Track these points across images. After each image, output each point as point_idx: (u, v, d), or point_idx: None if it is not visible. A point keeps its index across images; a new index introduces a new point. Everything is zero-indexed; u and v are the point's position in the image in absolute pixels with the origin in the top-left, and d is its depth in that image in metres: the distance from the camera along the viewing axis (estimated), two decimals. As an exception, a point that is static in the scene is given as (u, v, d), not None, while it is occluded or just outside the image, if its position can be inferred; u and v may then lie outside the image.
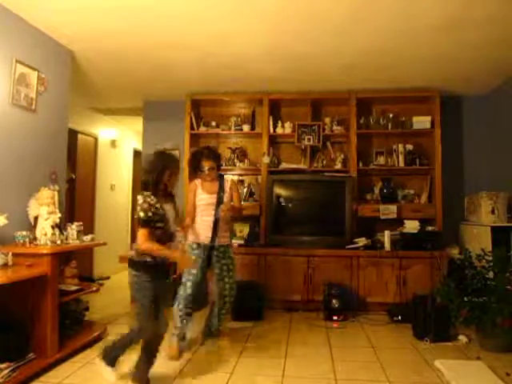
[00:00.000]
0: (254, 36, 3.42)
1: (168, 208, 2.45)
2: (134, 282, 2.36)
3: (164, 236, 2.40)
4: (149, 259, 2.36)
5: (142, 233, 2.32)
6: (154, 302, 2.35)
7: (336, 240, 4.42)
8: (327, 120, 4.88)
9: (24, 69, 3.09)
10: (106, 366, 2.46)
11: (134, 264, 2.39)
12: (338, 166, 4.76)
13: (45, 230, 2.92)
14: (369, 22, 3.14)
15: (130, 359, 2.47)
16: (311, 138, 4.73)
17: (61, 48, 3.58)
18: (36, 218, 2.99)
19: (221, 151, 5.06)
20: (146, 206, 2.31)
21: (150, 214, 2.30)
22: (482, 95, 4.83)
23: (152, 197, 2.35)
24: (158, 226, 2.35)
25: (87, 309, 3.52)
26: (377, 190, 4.73)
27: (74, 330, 3.21)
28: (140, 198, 2.34)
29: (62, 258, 3.18)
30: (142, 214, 2.30)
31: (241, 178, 5.04)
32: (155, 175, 2.38)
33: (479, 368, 2.78)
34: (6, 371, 2.37)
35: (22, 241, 2.80)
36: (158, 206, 2.34)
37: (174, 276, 3.40)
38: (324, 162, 4.85)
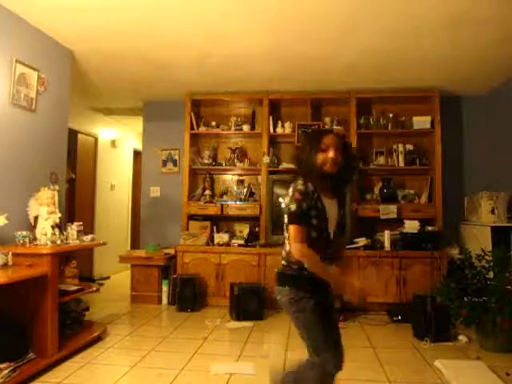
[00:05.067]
0: (254, 36, 3.42)
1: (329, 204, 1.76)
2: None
3: (320, 242, 1.71)
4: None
5: (295, 230, 1.65)
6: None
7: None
8: (327, 120, 4.87)
9: (24, 69, 3.09)
10: None
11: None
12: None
13: (45, 230, 2.92)
14: (369, 22, 3.14)
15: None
16: (311, 137, 4.72)
17: (61, 48, 3.58)
18: (36, 218, 2.99)
19: (221, 151, 5.11)
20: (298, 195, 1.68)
21: (304, 205, 1.66)
22: (482, 95, 4.83)
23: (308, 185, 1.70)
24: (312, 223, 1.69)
25: (87, 309, 3.52)
26: (377, 190, 4.73)
27: (74, 329, 3.21)
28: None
29: (62, 258, 3.19)
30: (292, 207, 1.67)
31: (241, 178, 5.05)
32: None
33: (479, 368, 2.78)
34: (5, 371, 2.37)
35: (21, 241, 2.80)
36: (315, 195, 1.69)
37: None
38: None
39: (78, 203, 5.61)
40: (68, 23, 3.21)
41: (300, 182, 1.70)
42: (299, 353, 3.09)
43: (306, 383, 1.68)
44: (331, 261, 1.74)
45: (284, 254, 1.77)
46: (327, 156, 1.70)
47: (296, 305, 1.70)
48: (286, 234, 1.76)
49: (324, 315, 1.70)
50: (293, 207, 1.67)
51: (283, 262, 1.77)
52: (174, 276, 4.54)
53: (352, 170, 1.80)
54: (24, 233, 2.83)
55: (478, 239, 4.07)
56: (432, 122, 4.62)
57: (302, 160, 1.76)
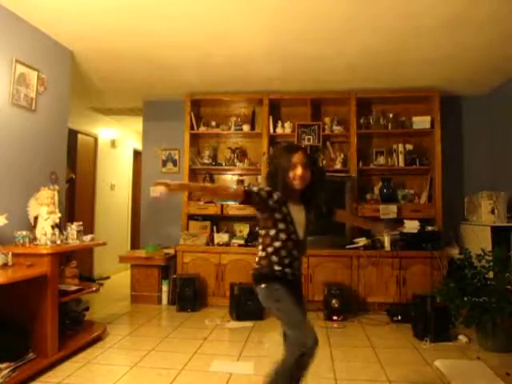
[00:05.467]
0: (254, 36, 3.43)
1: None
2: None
3: (289, 244, 1.90)
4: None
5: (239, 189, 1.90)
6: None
7: (336, 240, 4.42)
8: (327, 120, 4.87)
9: (24, 69, 3.09)
10: None
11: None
12: (338, 165, 4.76)
13: (45, 230, 2.92)
14: (369, 22, 3.14)
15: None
16: (311, 137, 4.73)
17: (61, 48, 3.58)
18: (36, 218, 2.99)
19: (221, 151, 5.11)
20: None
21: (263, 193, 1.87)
22: (482, 95, 4.83)
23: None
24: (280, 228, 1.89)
25: (87, 309, 3.52)
26: (377, 190, 4.73)
27: (74, 329, 3.21)
28: None
29: (62, 258, 3.19)
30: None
31: (241, 178, 5.05)
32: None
33: (479, 368, 2.78)
34: (5, 371, 2.37)
35: (21, 241, 2.80)
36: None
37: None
38: (324, 162, 4.85)
39: (77, 203, 5.61)
40: (68, 23, 3.21)
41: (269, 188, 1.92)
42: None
43: (285, 369, 1.81)
44: (298, 259, 1.95)
45: (257, 258, 1.99)
46: (295, 173, 1.88)
47: (274, 296, 1.90)
48: (259, 240, 2.00)
49: (296, 301, 1.89)
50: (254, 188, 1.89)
51: (257, 266, 1.99)
52: (174, 276, 4.54)
53: (320, 183, 2.01)
54: (24, 233, 2.82)
55: (478, 239, 4.07)
56: (432, 122, 4.62)
57: (273, 176, 1.95)
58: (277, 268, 1.90)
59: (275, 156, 2.09)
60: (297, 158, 1.90)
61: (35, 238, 2.90)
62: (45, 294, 2.70)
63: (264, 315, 3.97)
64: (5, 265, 2.51)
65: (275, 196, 1.87)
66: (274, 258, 1.90)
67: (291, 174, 1.88)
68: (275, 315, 1.96)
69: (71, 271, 3.35)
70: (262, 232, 1.96)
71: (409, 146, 4.72)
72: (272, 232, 1.90)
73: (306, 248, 2.02)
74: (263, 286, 1.92)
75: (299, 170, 1.88)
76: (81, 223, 3.28)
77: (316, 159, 1.94)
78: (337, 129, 4.80)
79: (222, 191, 2.29)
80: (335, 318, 3.91)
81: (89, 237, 3.29)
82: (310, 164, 1.93)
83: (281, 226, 1.88)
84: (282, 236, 1.88)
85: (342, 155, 4.81)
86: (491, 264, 3.27)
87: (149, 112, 5.42)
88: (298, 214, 1.93)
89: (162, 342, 3.32)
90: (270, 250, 1.91)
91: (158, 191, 1.87)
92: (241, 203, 1.90)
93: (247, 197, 1.85)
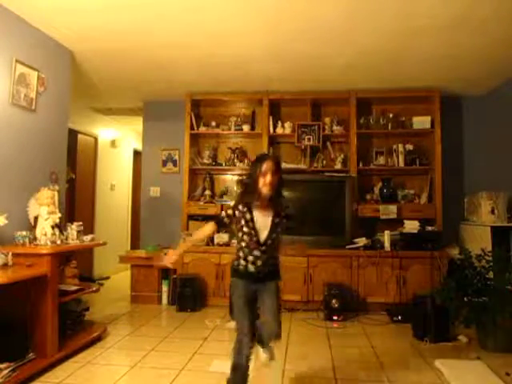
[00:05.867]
0: (254, 36, 3.43)
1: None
2: None
3: (251, 245, 2.20)
4: None
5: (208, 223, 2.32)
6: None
7: (336, 240, 4.42)
8: (327, 120, 4.88)
9: (24, 69, 3.09)
10: None
11: None
12: (338, 166, 4.76)
13: (45, 230, 2.92)
14: (369, 21, 3.14)
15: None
16: (311, 138, 4.73)
17: (61, 48, 3.59)
18: (36, 218, 2.99)
19: (221, 151, 5.11)
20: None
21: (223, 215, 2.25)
22: (482, 95, 4.83)
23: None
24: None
25: (87, 309, 3.52)
26: (377, 190, 4.73)
27: (74, 330, 3.21)
28: None
29: (62, 258, 3.18)
30: None
31: (241, 177, 5.05)
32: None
33: (479, 368, 2.78)
34: (5, 371, 2.37)
35: (21, 241, 2.80)
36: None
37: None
38: (324, 162, 4.85)
39: (78, 203, 5.61)
40: (68, 23, 3.21)
41: (235, 203, 2.25)
42: (300, 352, 3.08)
43: (232, 348, 2.24)
44: (260, 258, 2.21)
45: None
46: (265, 180, 2.14)
47: (232, 288, 2.31)
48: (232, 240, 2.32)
49: (247, 297, 2.25)
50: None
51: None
52: (174, 276, 4.54)
53: (281, 187, 2.27)
54: (24, 233, 2.83)
55: (478, 239, 4.07)
56: (432, 122, 4.62)
57: (246, 184, 2.27)
58: (241, 264, 2.23)
59: (251, 166, 2.32)
60: (266, 165, 2.15)
61: (35, 238, 2.89)
62: (45, 294, 2.70)
63: (264, 315, 3.97)
64: (5, 265, 2.51)
65: (239, 207, 2.18)
66: (240, 255, 2.24)
67: (262, 182, 2.13)
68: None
69: (71, 271, 3.34)
70: (237, 234, 2.28)
71: (409, 146, 4.72)
72: (239, 234, 2.21)
73: (276, 247, 2.26)
74: (231, 279, 2.31)
75: (269, 177, 2.13)
76: (81, 223, 3.28)
77: (280, 168, 2.28)
78: (337, 129, 4.80)
79: (203, 235, 2.50)
80: (335, 317, 3.91)
81: (89, 237, 3.29)
82: (278, 170, 2.19)
83: (245, 229, 2.17)
84: (245, 238, 2.18)
85: (342, 155, 4.82)
86: (491, 264, 3.27)
87: (149, 112, 5.43)
88: (263, 218, 2.19)
89: (162, 342, 3.32)
90: (237, 248, 2.26)
91: (169, 260, 2.26)
92: (218, 231, 2.34)
93: (221, 225, 2.27)
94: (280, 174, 2.22)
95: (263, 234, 2.19)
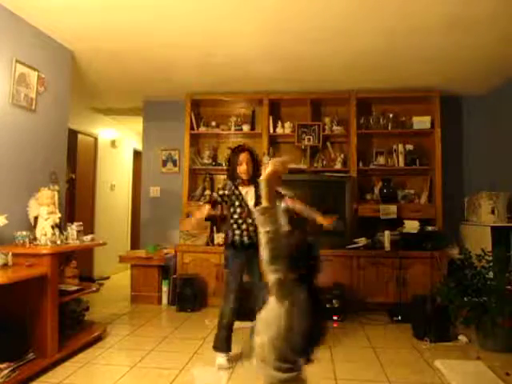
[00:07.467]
0: (254, 36, 3.43)
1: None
2: None
3: (243, 214, 2.81)
4: None
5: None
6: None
7: (336, 240, 4.42)
8: (327, 120, 4.87)
9: (24, 69, 3.09)
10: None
11: None
12: (338, 166, 4.76)
13: (45, 230, 2.92)
14: (369, 21, 3.14)
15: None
16: (311, 137, 4.73)
17: (61, 48, 3.58)
18: (36, 218, 2.99)
19: (221, 151, 5.11)
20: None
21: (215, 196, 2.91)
22: (482, 95, 4.83)
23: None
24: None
25: (87, 309, 3.51)
26: (377, 190, 4.73)
27: (74, 330, 3.20)
28: None
29: (62, 258, 3.18)
30: None
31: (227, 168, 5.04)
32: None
33: (479, 368, 2.78)
34: (5, 371, 2.37)
35: (21, 241, 2.80)
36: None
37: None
38: (324, 162, 4.85)
39: (78, 203, 5.61)
40: (68, 23, 3.21)
41: (221, 186, 2.94)
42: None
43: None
44: (253, 224, 2.69)
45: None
46: (242, 168, 2.80)
47: (228, 256, 2.83)
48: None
49: (239, 267, 2.77)
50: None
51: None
52: (174, 276, 4.54)
53: (258, 170, 2.77)
54: (24, 233, 2.82)
55: (478, 239, 4.07)
56: (432, 122, 4.62)
57: (229, 170, 2.92)
58: (236, 234, 2.74)
59: (231, 156, 2.91)
60: (242, 156, 2.81)
61: (35, 238, 2.89)
62: (45, 294, 2.70)
63: (264, 315, 3.97)
64: (5, 265, 2.51)
65: (227, 187, 2.82)
66: (234, 227, 2.75)
67: (240, 169, 2.79)
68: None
69: (71, 271, 3.34)
70: (228, 213, 2.82)
71: (409, 146, 4.72)
72: (232, 209, 2.77)
73: None
74: (225, 251, 2.83)
75: (244, 166, 2.79)
76: (81, 223, 3.28)
77: (257, 155, 2.99)
78: (337, 129, 4.80)
79: (203, 215, 2.84)
80: (335, 317, 3.90)
81: (89, 237, 3.29)
82: (253, 159, 2.85)
83: (236, 203, 2.77)
84: (238, 210, 2.75)
85: (342, 155, 4.82)
86: (491, 264, 3.27)
87: (149, 112, 5.42)
88: (248, 192, 2.80)
89: (162, 342, 3.32)
90: (231, 223, 2.76)
91: (188, 225, 2.93)
92: (212, 209, 2.82)
93: (214, 205, 2.82)
94: (254, 162, 2.83)
95: (251, 203, 2.74)
